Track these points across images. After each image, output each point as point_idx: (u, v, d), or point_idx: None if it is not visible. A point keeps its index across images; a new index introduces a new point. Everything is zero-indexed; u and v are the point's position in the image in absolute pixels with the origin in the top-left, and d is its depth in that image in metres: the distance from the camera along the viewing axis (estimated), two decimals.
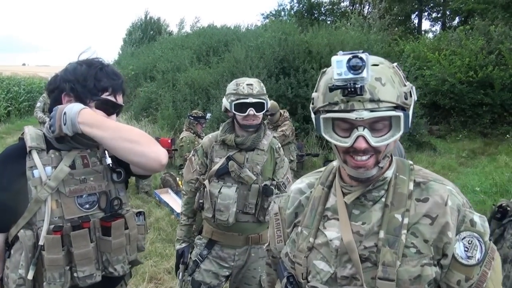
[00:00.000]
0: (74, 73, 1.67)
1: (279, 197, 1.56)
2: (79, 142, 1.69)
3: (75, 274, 1.64)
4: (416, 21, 26.48)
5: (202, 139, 5.91)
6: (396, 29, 20.11)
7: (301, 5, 27.47)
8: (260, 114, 2.66)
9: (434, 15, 27.49)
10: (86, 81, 1.65)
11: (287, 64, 11.23)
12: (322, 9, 27.42)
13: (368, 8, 24.82)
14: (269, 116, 5.93)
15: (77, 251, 1.62)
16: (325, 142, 10.84)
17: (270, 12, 29.47)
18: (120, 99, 1.75)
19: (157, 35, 33.89)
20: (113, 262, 1.72)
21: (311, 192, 1.41)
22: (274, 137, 2.95)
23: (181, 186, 7.81)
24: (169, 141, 10.33)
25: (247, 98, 2.58)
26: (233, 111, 2.62)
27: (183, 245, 2.83)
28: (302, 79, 10.91)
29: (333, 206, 1.33)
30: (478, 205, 6.65)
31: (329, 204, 1.34)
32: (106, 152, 1.75)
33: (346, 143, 1.16)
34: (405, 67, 12.64)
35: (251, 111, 2.59)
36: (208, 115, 5.90)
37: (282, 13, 28.68)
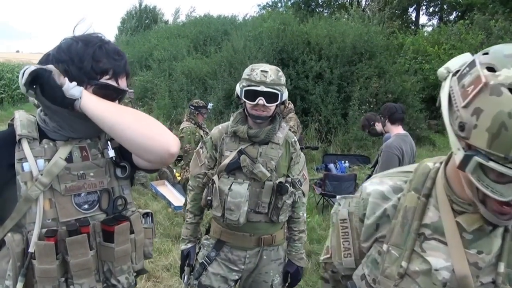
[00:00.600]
0: (69, 51, 1.37)
1: (346, 198, 1.27)
2: (77, 129, 1.42)
3: (71, 287, 1.38)
4: (414, 15, 26.34)
5: (203, 129, 5.62)
6: (395, 22, 19.80)
7: None
8: (272, 106, 2.39)
9: (431, 9, 27.35)
10: (82, 62, 1.36)
11: (286, 55, 10.95)
12: (319, 0, 27.07)
13: (366, 1, 24.52)
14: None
15: (74, 260, 1.36)
16: (324, 135, 10.62)
17: (267, 3, 29.16)
18: (123, 83, 1.45)
19: (152, 23, 33.53)
20: (116, 272, 1.46)
21: (398, 199, 1.10)
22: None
23: (178, 178, 7.60)
24: None
25: (259, 86, 2.33)
26: (243, 97, 2.36)
27: (189, 245, 2.58)
28: (301, 70, 10.65)
29: (435, 224, 1.03)
30: None
31: (428, 220, 1.04)
32: (109, 142, 1.48)
33: (503, 196, 0.85)
34: (406, 60, 12.42)
35: (260, 100, 2.33)
36: (210, 105, 5.60)
37: (279, 4, 28.36)
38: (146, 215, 1.64)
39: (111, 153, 1.46)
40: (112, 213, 1.48)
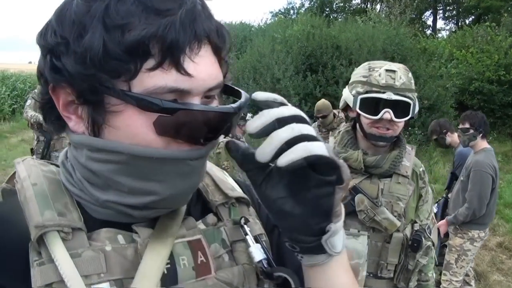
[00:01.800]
0: (68, 20, 0.55)
1: None
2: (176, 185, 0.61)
3: None
4: (431, 19, 25.60)
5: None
6: (417, 25, 19.04)
7: (312, 2, 26.40)
8: (401, 122, 1.61)
9: (447, 13, 26.59)
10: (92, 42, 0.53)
11: (314, 60, 10.18)
12: (334, 6, 26.35)
13: (382, 5, 23.76)
14: (320, 119, 4.89)
15: None
16: None
17: (279, 10, 28.50)
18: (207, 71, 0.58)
19: None
20: None
21: None
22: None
23: None
24: None
25: (384, 93, 1.55)
26: (357, 109, 1.59)
27: None
28: (330, 76, 9.87)
29: None
30: None
31: None
32: (247, 227, 0.70)
33: None
34: (441, 63, 11.57)
35: (387, 113, 1.55)
36: (249, 115, 4.84)
37: (291, 11, 27.68)
38: None
39: (260, 255, 0.66)
40: None
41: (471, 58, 13.09)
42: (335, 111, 4.92)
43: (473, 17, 25.04)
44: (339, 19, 22.27)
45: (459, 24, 25.34)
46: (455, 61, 12.79)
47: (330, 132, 4.82)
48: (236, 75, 11.29)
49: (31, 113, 5.73)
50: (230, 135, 2.83)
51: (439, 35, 22.83)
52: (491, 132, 12.83)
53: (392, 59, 10.41)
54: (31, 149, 6.01)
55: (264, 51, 10.70)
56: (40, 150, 5.70)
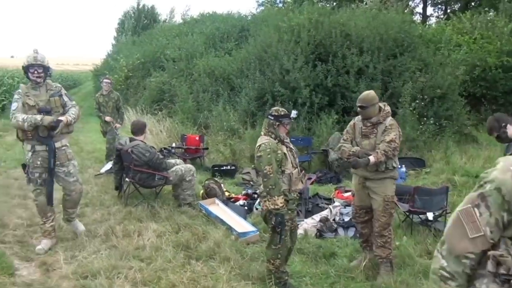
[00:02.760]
0: None
1: None
2: None
3: None
4: (420, 6, 25.26)
5: (286, 145, 4.27)
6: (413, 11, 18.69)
7: None
8: None
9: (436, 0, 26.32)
10: None
11: (324, 50, 9.71)
12: None
13: None
14: (359, 109, 4.42)
15: None
16: None
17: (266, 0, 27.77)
18: None
19: (151, 23, 32.21)
20: None
21: None
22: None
23: (228, 194, 6.39)
24: (197, 138, 8.84)
25: None
26: None
27: None
28: (341, 65, 9.45)
29: None
30: None
31: None
32: None
33: None
34: (450, 50, 11.24)
35: None
36: (294, 113, 4.31)
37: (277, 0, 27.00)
38: None
39: None
40: None
41: (473, 44, 12.82)
42: (381, 104, 4.46)
43: (459, 4, 24.86)
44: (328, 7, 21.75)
45: (447, 11, 25.12)
46: (462, 48, 12.49)
47: (377, 129, 4.41)
48: (240, 66, 10.81)
49: (22, 116, 4.29)
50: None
51: (429, 22, 22.59)
52: None
53: (402, 47, 10.07)
54: (23, 165, 4.60)
55: (269, 41, 10.19)
56: (38, 164, 4.38)
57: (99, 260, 4.15)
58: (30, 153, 4.44)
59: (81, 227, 4.92)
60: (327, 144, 8.55)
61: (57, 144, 4.46)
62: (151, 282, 3.82)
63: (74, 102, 4.69)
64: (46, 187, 4.49)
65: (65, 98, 4.57)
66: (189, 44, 13.52)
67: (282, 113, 4.07)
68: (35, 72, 4.35)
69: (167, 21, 33.87)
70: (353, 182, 4.61)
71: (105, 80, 8.40)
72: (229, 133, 9.55)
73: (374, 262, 4.30)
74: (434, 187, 6.24)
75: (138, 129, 5.97)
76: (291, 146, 4.09)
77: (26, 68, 4.37)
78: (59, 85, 4.68)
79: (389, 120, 4.33)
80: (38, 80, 4.39)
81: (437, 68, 10.02)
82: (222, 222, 5.31)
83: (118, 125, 8.21)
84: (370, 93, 4.42)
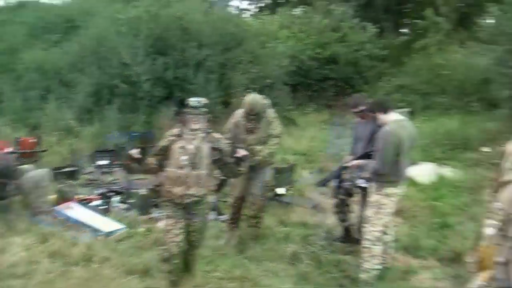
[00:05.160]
0: None
1: None
2: None
3: None
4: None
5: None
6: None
7: None
8: None
9: None
10: None
11: (163, 43, 9.66)
12: None
13: None
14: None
15: None
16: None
17: None
18: None
19: None
20: None
21: None
22: None
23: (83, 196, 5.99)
24: (32, 140, 7.97)
25: None
26: None
27: None
28: (179, 58, 9.53)
29: None
30: None
31: None
32: None
33: None
34: (278, 44, 12.23)
35: None
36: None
37: None
38: None
39: None
40: None
41: (294, 38, 14.27)
42: None
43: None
44: None
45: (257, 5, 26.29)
46: (288, 41, 13.74)
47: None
48: (73, 60, 10.04)
49: None
50: None
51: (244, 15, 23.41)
52: (310, 104, 14.32)
53: (236, 41, 10.64)
54: None
55: (105, 33, 9.69)
56: None
57: None
58: None
59: None
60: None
61: None
62: None
63: None
64: None
65: None
66: (10, 35, 11.92)
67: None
68: None
69: None
70: None
71: None
72: (65, 133, 8.88)
73: (241, 238, 4.76)
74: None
75: None
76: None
77: None
78: None
79: None
80: None
81: (266, 60, 10.86)
82: (84, 225, 5.06)
83: None
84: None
